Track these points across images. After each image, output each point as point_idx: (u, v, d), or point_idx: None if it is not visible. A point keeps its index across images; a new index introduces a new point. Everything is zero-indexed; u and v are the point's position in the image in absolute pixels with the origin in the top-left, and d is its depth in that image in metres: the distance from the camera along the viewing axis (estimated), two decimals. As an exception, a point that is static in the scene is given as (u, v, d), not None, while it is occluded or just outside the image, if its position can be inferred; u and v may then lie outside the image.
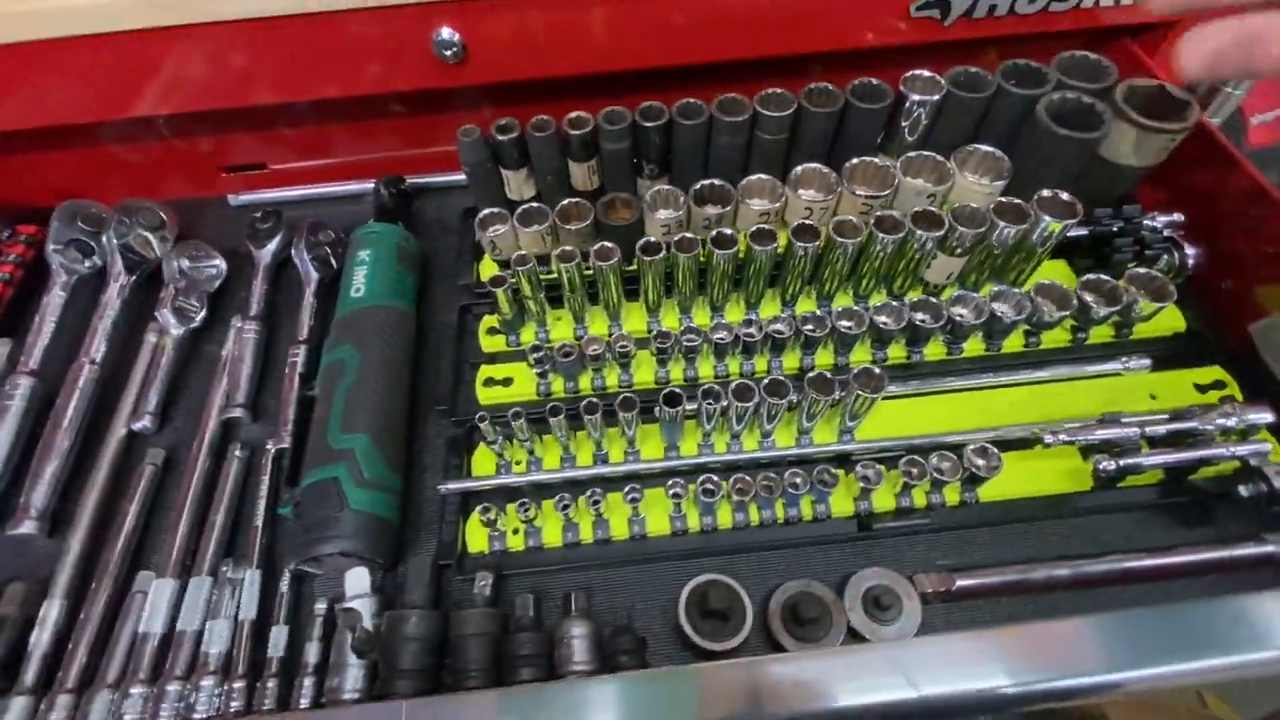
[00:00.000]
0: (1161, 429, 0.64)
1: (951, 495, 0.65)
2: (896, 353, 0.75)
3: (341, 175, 0.98)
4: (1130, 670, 0.44)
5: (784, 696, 0.42)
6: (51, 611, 0.62)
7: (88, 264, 0.85)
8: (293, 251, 0.85)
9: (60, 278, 0.82)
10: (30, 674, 0.59)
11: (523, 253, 0.69)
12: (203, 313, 0.82)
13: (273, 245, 0.86)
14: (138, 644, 0.60)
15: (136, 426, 0.74)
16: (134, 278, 0.83)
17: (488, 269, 0.83)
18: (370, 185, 0.96)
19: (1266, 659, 0.44)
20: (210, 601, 0.62)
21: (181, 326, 0.80)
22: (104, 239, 0.84)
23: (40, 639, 0.60)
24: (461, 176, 0.99)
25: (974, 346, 0.75)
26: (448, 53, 0.74)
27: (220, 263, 0.87)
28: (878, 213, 0.70)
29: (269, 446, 0.71)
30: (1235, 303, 0.74)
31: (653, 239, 0.69)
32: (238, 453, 0.71)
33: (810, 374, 0.63)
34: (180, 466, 0.73)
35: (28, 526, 0.66)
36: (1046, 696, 0.44)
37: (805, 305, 0.78)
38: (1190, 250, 0.74)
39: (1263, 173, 0.72)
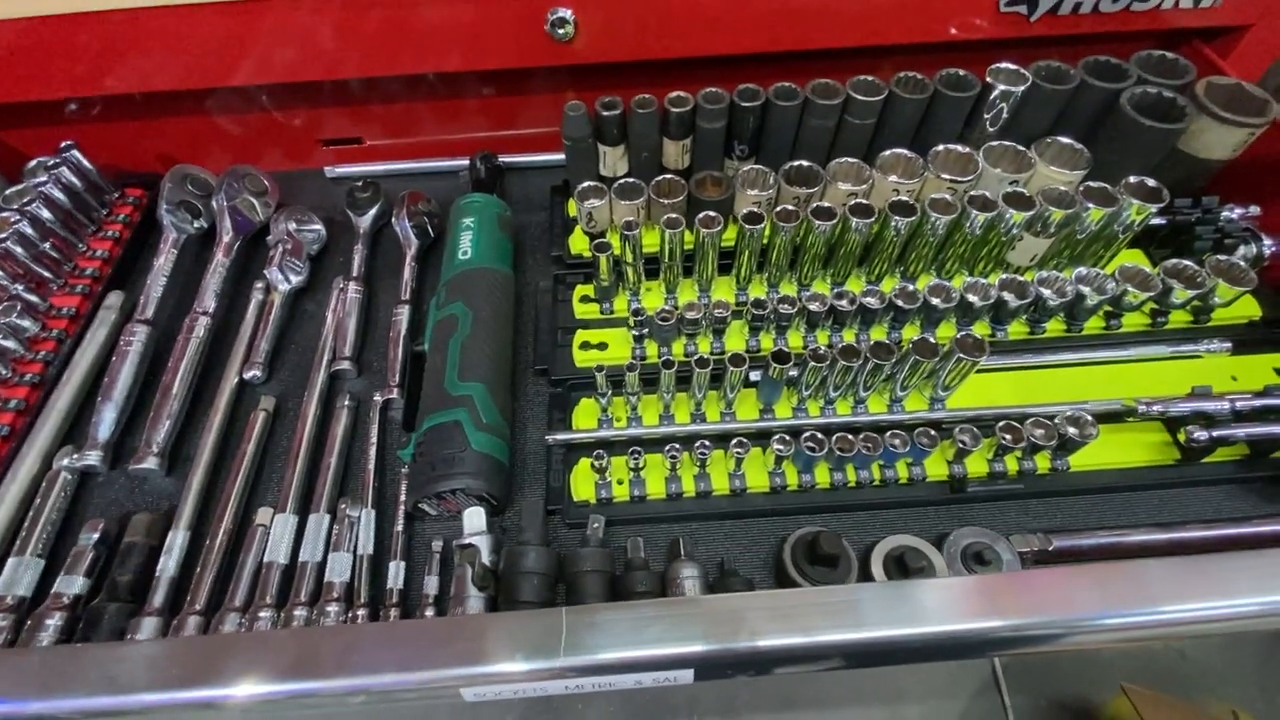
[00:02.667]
0: (1250, 404, 0.66)
1: (1043, 463, 0.67)
2: (981, 330, 0.77)
3: (428, 153, 1.03)
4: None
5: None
6: (177, 540, 0.64)
7: (196, 224, 0.89)
8: (393, 220, 0.88)
9: (171, 235, 0.85)
10: (159, 597, 0.61)
11: (630, 219, 0.72)
12: (305, 274, 0.86)
13: (372, 213, 0.90)
14: (263, 572, 0.62)
15: (248, 375, 0.77)
16: (240, 239, 0.87)
17: (578, 242, 0.86)
18: (455, 163, 1.01)
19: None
20: (330, 536, 0.65)
21: (288, 285, 0.83)
22: (213, 202, 0.87)
23: (167, 565, 0.63)
24: (541, 158, 1.03)
25: (1055, 327, 0.77)
26: (560, 31, 0.78)
27: (320, 228, 0.90)
28: (967, 194, 0.73)
29: (377, 398, 0.74)
30: (1310, 293, 0.77)
31: (755, 210, 0.72)
32: (347, 403, 0.74)
33: (914, 339, 0.65)
34: (289, 414, 0.76)
35: (150, 462, 0.69)
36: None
37: (891, 285, 0.80)
38: (1268, 241, 0.77)
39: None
